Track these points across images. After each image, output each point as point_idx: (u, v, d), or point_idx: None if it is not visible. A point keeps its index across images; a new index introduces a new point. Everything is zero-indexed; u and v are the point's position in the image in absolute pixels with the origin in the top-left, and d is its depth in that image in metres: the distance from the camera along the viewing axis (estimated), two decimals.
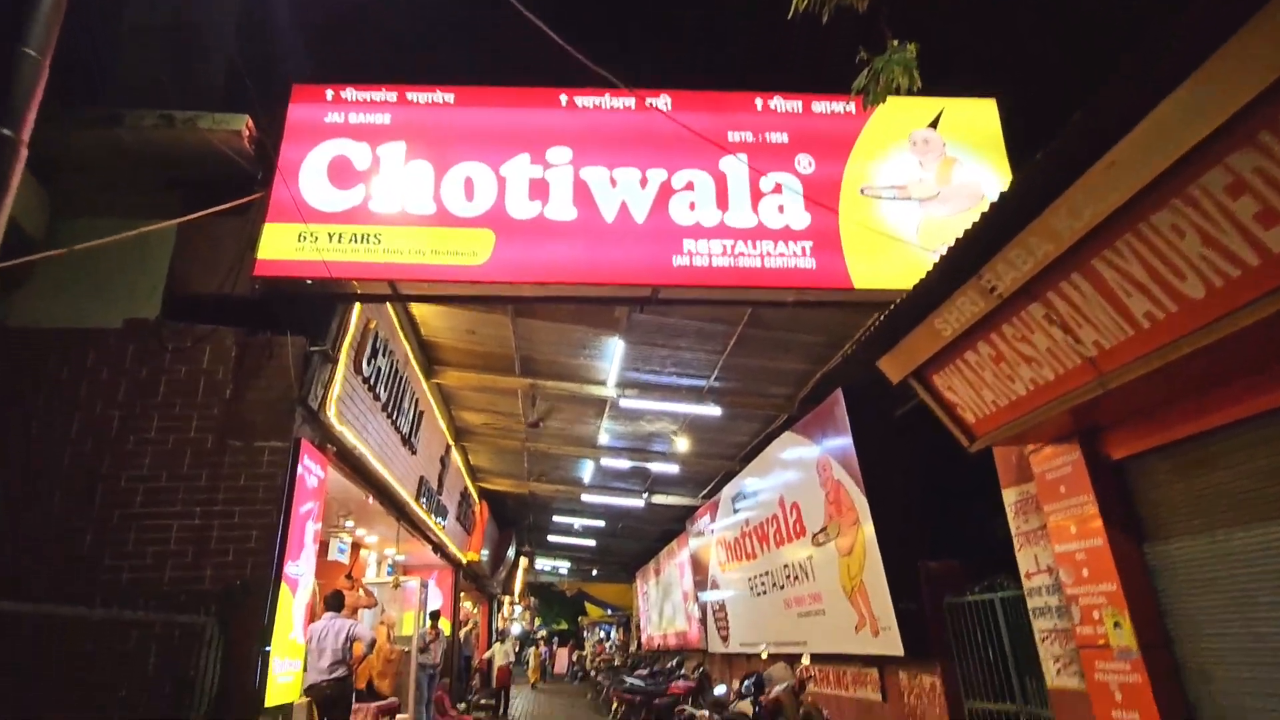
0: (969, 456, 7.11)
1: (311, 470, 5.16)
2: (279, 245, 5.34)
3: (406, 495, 8.85)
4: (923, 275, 4.35)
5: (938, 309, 4.44)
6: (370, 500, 7.98)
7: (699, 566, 16.16)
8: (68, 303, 5.29)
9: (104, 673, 4.15)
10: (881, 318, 4.75)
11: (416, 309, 8.02)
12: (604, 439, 11.75)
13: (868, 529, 7.77)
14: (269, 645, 4.38)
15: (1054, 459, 5.12)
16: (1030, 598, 5.53)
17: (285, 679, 4.61)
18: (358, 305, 6.00)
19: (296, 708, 5.73)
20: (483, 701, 17.64)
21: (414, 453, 8.78)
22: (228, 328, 5.28)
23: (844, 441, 8.23)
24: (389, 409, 7.41)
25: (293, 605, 4.73)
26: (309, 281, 5.31)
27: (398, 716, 10.08)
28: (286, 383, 5.14)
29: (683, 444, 11.32)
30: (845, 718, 8.89)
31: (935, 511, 8.15)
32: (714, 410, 9.51)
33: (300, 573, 4.88)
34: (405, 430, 8.20)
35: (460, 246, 5.41)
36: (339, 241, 5.35)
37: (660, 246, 5.54)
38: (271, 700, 4.35)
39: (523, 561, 27.15)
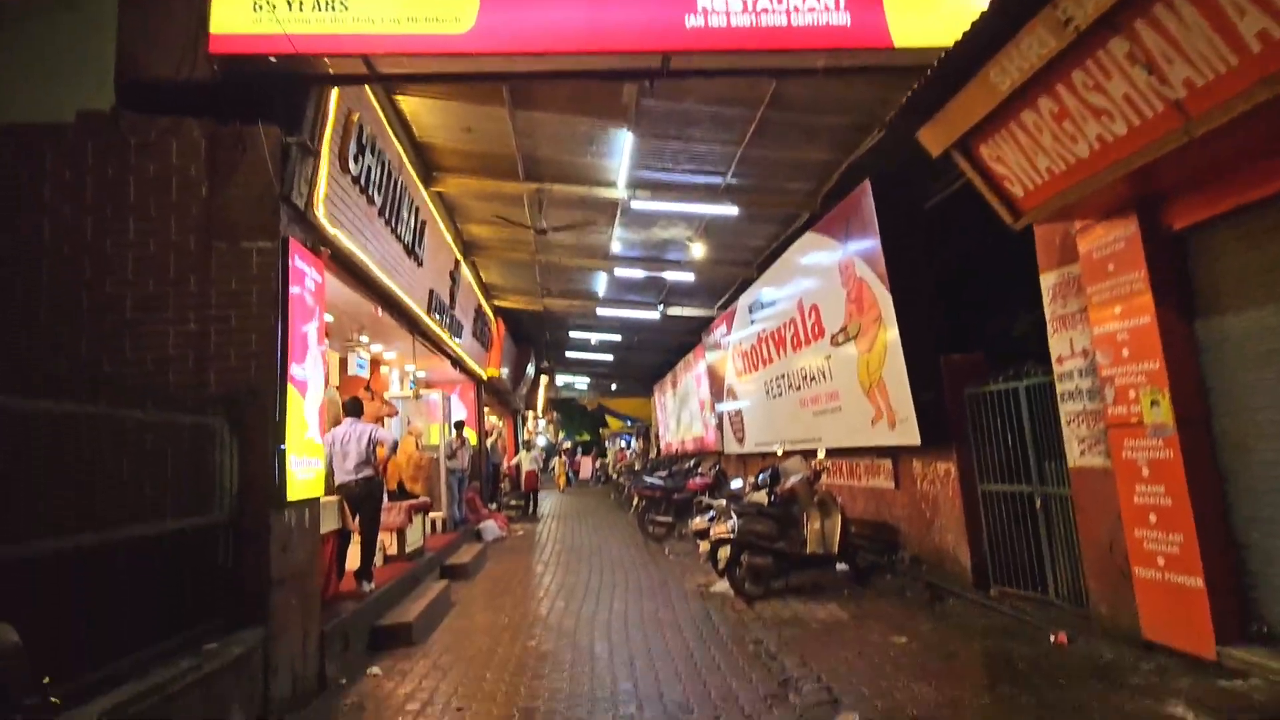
0: (999, 252, 6.73)
1: (306, 273, 4.87)
2: (233, 16, 4.64)
3: (417, 309, 8.68)
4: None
5: (996, 56, 3.82)
6: (380, 312, 7.81)
7: (715, 375, 16.41)
8: (8, 96, 4.76)
9: (125, 474, 4.15)
10: (928, 72, 4.14)
11: (405, 104, 7.32)
12: (616, 248, 11.35)
13: (890, 326, 7.55)
14: (283, 444, 4.36)
15: (1105, 235, 4.70)
16: (1060, 382, 5.37)
17: (306, 476, 4.65)
18: (335, 93, 5.38)
19: (327, 504, 5.90)
20: (513, 502, 18.91)
21: (420, 265, 8.47)
22: (193, 118, 4.76)
23: (869, 236, 7.79)
24: (387, 216, 6.99)
25: (303, 407, 4.67)
26: (273, 59, 4.68)
27: (431, 514, 10.72)
28: (266, 179, 4.70)
29: (698, 250, 10.90)
30: (857, 504, 9.28)
31: (959, 306, 7.89)
32: (731, 210, 8.98)
33: (307, 376, 4.77)
34: (408, 240, 7.83)
35: (439, 12, 4.68)
36: (300, 10, 4.63)
37: (670, 4, 4.77)
38: (293, 495, 4.41)
39: (543, 379, 27.94)
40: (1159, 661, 4.41)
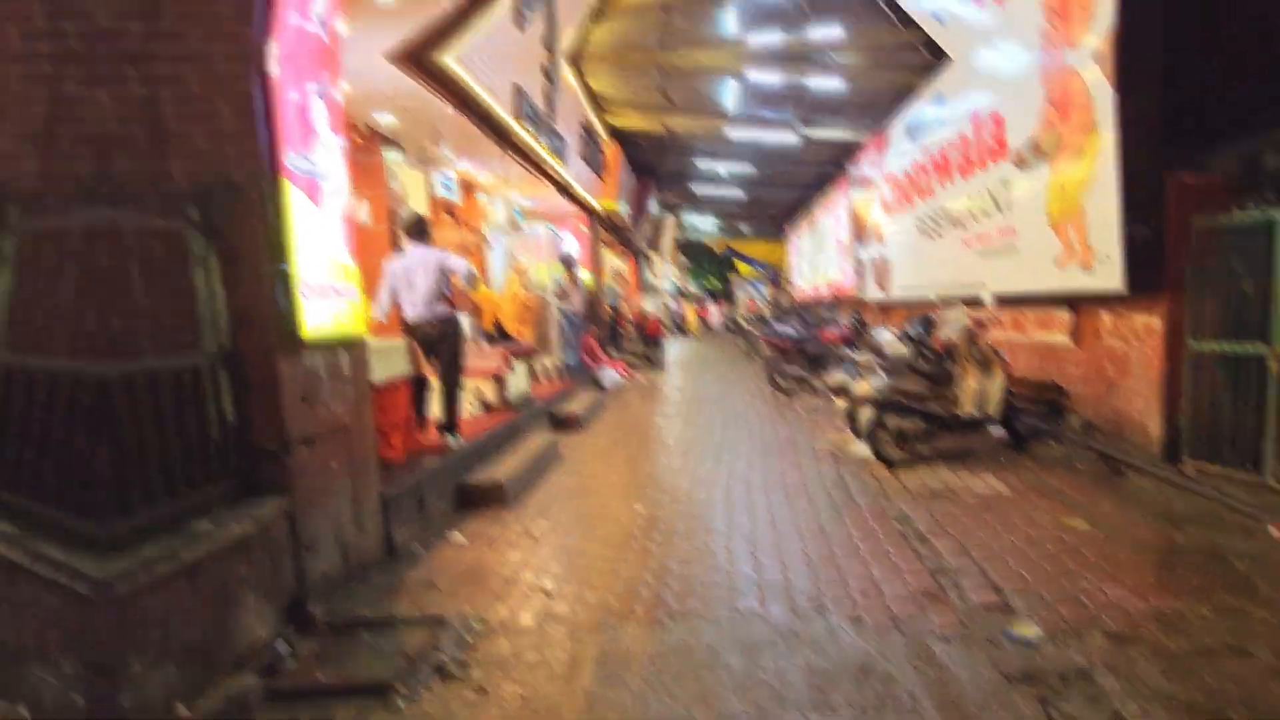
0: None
1: (298, 6, 3.59)
2: None
3: (500, 110, 7.39)
4: None
5: None
6: (450, 110, 6.61)
7: (858, 215, 14.28)
8: None
9: (79, 295, 3.13)
10: None
11: None
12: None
13: (1104, 134, 5.48)
14: (286, 263, 3.37)
15: None
16: None
17: (331, 307, 3.58)
18: None
19: (391, 349, 5.01)
20: (637, 350, 18.27)
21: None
22: None
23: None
24: None
25: (316, 215, 3.63)
26: None
27: (543, 360, 9.99)
28: None
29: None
30: (1018, 361, 7.52)
31: (1200, 114, 5.57)
32: None
33: (318, 171, 3.61)
34: None
35: None
36: None
37: None
38: (312, 333, 3.36)
39: (670, 219, 26.38)
40: None
